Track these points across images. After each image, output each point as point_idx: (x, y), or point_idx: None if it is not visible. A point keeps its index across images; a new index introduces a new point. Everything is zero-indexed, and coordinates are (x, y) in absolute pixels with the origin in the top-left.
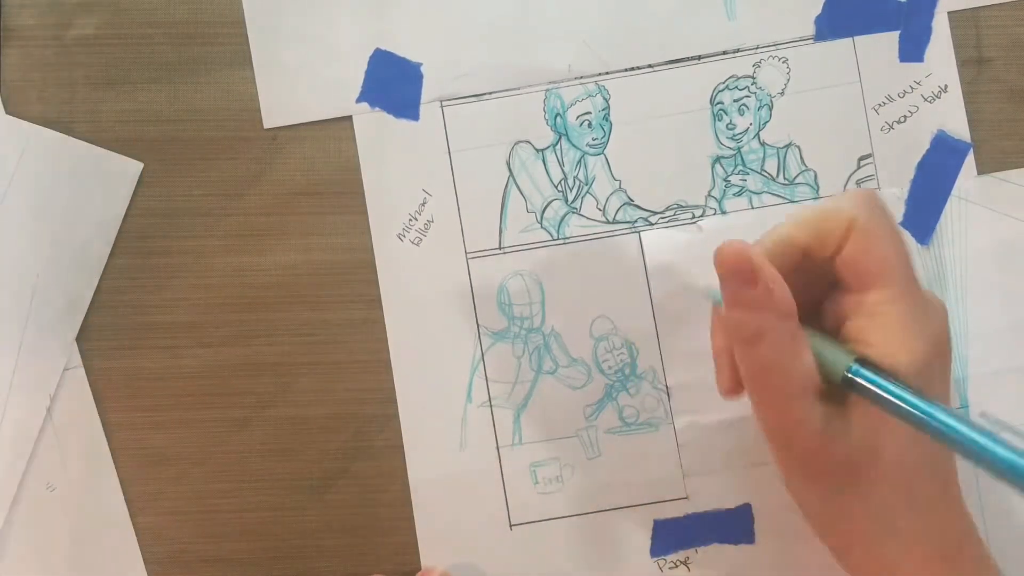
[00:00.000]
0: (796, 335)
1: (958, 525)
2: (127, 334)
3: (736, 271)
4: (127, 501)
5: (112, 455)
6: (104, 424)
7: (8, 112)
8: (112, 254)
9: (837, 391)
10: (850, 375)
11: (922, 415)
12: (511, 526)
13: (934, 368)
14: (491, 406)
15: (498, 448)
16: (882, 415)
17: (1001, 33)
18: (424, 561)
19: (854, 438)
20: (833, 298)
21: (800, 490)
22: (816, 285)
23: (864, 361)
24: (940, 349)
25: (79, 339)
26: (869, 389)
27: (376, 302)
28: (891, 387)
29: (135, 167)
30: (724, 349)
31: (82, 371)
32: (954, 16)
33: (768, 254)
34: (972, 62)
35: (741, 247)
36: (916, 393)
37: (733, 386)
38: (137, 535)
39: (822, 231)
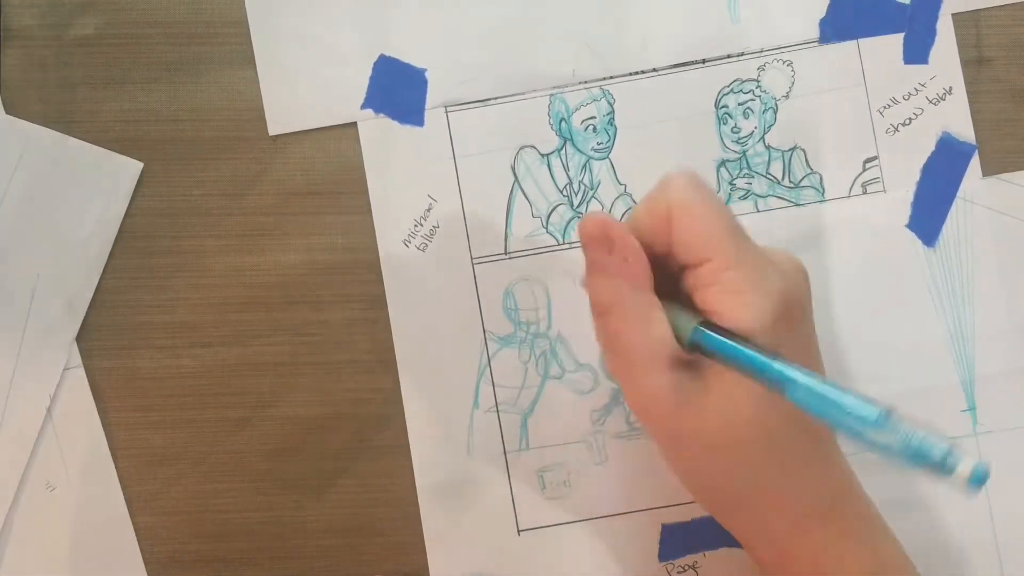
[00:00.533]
0: (649, 305)
1: (833, 482)
2: (127, 334)
3: (595, 238)
4: (126, 501)
5: (111, 455)
6: (103, 424)
7: (8, 112)
8: (112, 254)
9: (704, 360)
10: (694, 339)
11: (755, 364)
12: (519, 531)
13: (780, 327)
14: (498, 411)
15: (505, 453)
16: (737, 377)
17: (1001, 33)
18: (432, 567)
19: (711, 402)
20: (683, 276)
21: (672, 459)
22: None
23: (708, 324)
24: (787, 308)
25: (79, 339)
26: (712, 350)
27: (376, 302)
28: (727, 343)
29: (135, 167)
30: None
31: (82, 371)
32: (957, 17)
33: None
34: (973, 62)
35: (604, 217)
36: (752, 346)
37: None
38: (136, 535)
39: (653, 220)
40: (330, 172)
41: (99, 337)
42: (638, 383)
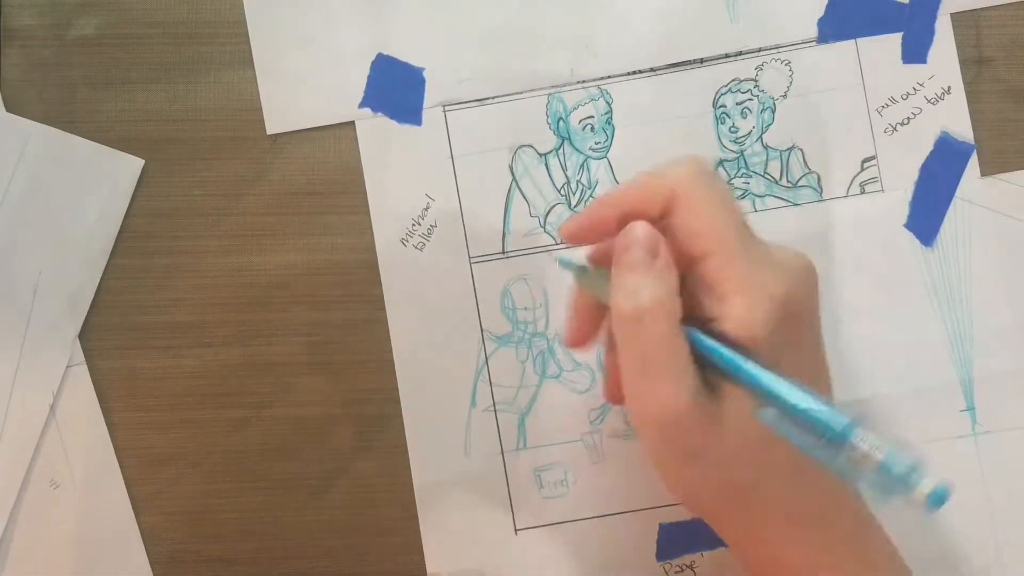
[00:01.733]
0: (679, 312)
1: (827, 488)
2: (127, 334)
3: (642, 243)
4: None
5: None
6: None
7: (8, 111)
8: (112, 254)
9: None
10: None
11: (728, 365)
12: (516, 531)
13: (783, 331)
14: (495, 411)
15: (503, 453)
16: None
17: (1001, 33)
18: (430, 566)
19: (726, 417)
20: (686, 276)
21: (673, 471)
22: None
23: (697, 324)
24: (791, 311)
25: (79, 338)
26: (699, 351)
27: (376, 302)
28: (713, 344)
29: (136, 163)
30: (586, 306)
31: (85, 368)
32: (956, 17)
33: None
34: (973, 62)
35: (649, 226)
36: (736, 349)
37: (580, 338)
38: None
39: (647, 200)
40: (330, 172)
41: (99, 337)
42: (663, 397)
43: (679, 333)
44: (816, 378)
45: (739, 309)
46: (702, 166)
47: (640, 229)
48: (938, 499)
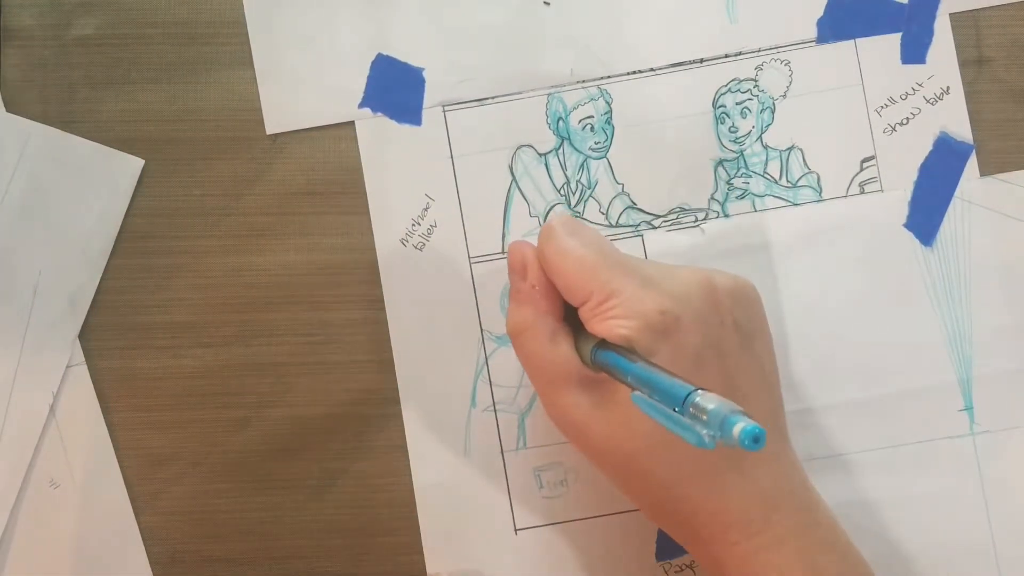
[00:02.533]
0: (554, 330)
1: (761, 493)
2: (127, 334)
3: (512, 266)
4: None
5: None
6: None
7: (8, 111)
8: (112, 254)
9: (611, 380)
10: (594, 359)
11: (620, 367)
12: (516, 531)
13: (660, 342)
14: (495, 411)
15: (502, 453)
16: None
17: (1001, 33)
18: (429, 567)
19: (613, 418)
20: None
21: (598, 469)
22: None
23: (603, 343)
24: (668, 324)
25: (80, 338)
26: (607, 364)
27: (376, 302)
28: (611, 355)
29: (136, 163)
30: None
31: (85, 368)
32: (955, 17)
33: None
34: (972, 62)
35: (523, 246)
36: (632, 356)
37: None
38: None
39: (543, 271)
40: (330, 172)
41: (99, 337)
42: (550, 400)
43: (552, 348)
44: (731, 384)
45: (614, 328)
46: (561, 227)
47: (511, 251)
48: (752, 438)
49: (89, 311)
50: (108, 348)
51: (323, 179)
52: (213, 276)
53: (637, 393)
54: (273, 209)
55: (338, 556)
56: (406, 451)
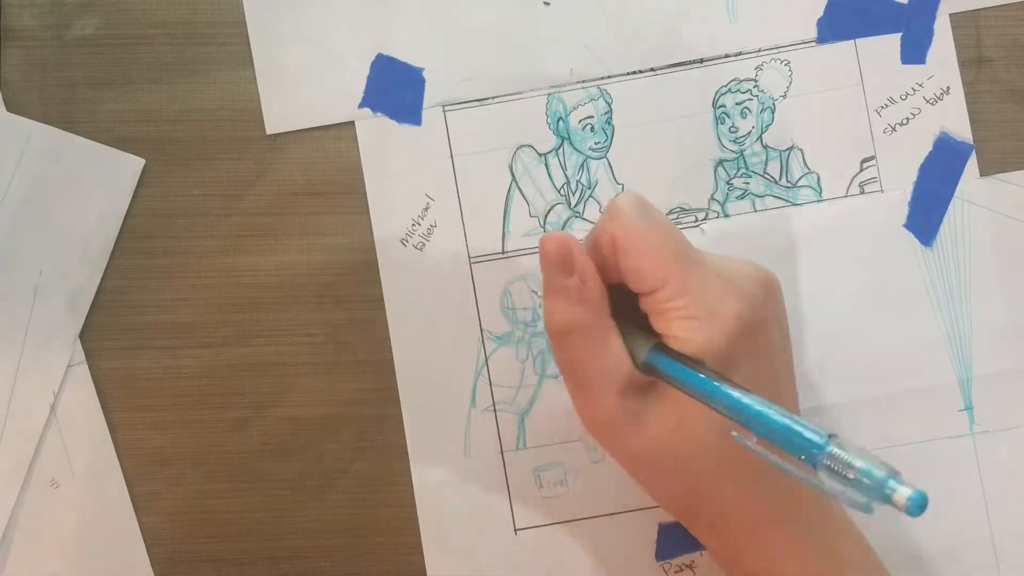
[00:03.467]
0: (606, 330)
1: (789, 486)
2: (127, 334)
3: (553, 259)
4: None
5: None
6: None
7: (8, 111)
8: (112, 254)
9: (659, 382)
10: (648, 362)
11: (701, 387)
12: (516, 531)
13: (736, 349)
14: (495, 411)
15: (502, 453)
16: (688, 399)
17: (1001, 33)
18: (429, 567)
19: (662, 424)
20: (639, 299)
21: (632, 474)
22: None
23: (662, 347)
24: (745, 330)
25: (80, 338)
26: (664, 373)
27: (376, 302)
28: (677, 365)
29: (137, 163)
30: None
31: (86, 367)
32: (955, 17)
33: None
34: (972, 62)
35: (565, 237)
36: (702, 369)
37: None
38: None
39: (601, 249)
40: (330, 172)
41: (99, 338)
42: (592, 406)
43: (601, 349)
44: (777, 387)
45: (691, 331)
46: (636, 205)
47: (552, 244)
48: (917, 506)
49: (89, 311)
50: (108, 348)
51: (323, 179)
52: (213, 276)
53: (737, 434)
54: (273, 209)
55: (338, 556)
56: (406, 451)
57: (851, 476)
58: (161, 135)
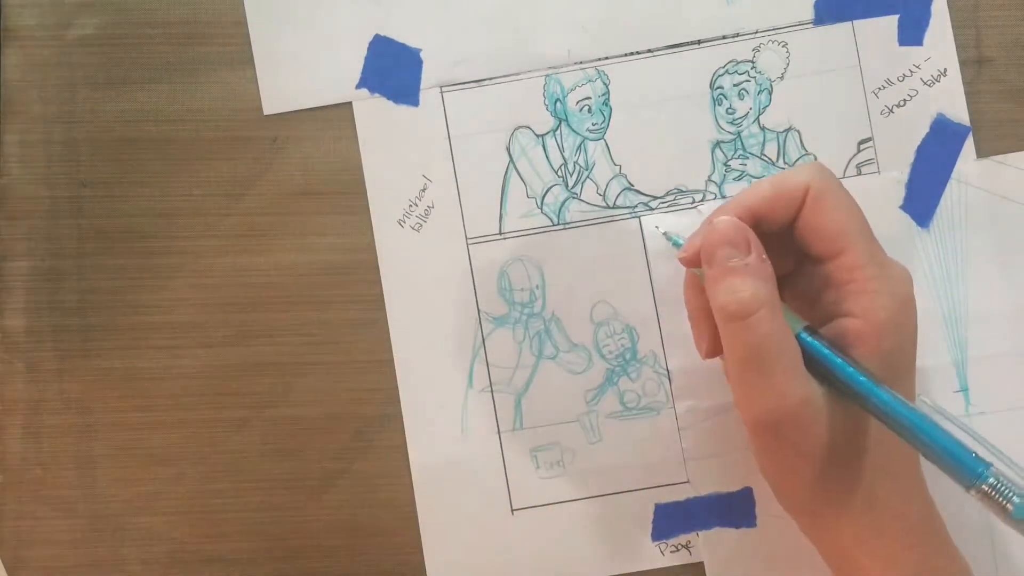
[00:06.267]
0: (783, 308)
1: (926, 493)
2: (127, 334)
3: (731, 240)
4: (127, 501)
5: (112, 455)
6: (103, 424)
7: (8, 112)
8: (112, 254)
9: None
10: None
11: (855, 385)
12: (512, 511)
13: (903, 331)
14: (492, 391)
15: (499, 433)
16: None
17: (1001, 33)
18: (426, 547)
19: (840, 413)
20: (802, 272)
21: (780, 470)
22: (776, 257)
23: (811, 330)
24: (907, 312)
25: (79, 338)
26: (817, 357)
27: (376, 302)
28: (829, 353)
29: None
30: (702, 308)
31: None
32: (955, 14)
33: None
34: (972, 62)
35: (735, 219)
36: (854, 364)
37: (714, 347)
38: (137, 535)
39: (780, 197)
40: (329, 172)
41: (99, 337)
42: (780, 391)
43: (785, 328)
44: (912, 382)
45: (875, 308)
46: (830, 171)
47: (725, 225)
48: None
49: (89, 311)
50: (108, 348)
51: (323, 179)
52: (213, 276)
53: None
54: (273, 209)
55: (338, 556)
56: (406, 451)
57: (1009, 508)
58: (161, 135)
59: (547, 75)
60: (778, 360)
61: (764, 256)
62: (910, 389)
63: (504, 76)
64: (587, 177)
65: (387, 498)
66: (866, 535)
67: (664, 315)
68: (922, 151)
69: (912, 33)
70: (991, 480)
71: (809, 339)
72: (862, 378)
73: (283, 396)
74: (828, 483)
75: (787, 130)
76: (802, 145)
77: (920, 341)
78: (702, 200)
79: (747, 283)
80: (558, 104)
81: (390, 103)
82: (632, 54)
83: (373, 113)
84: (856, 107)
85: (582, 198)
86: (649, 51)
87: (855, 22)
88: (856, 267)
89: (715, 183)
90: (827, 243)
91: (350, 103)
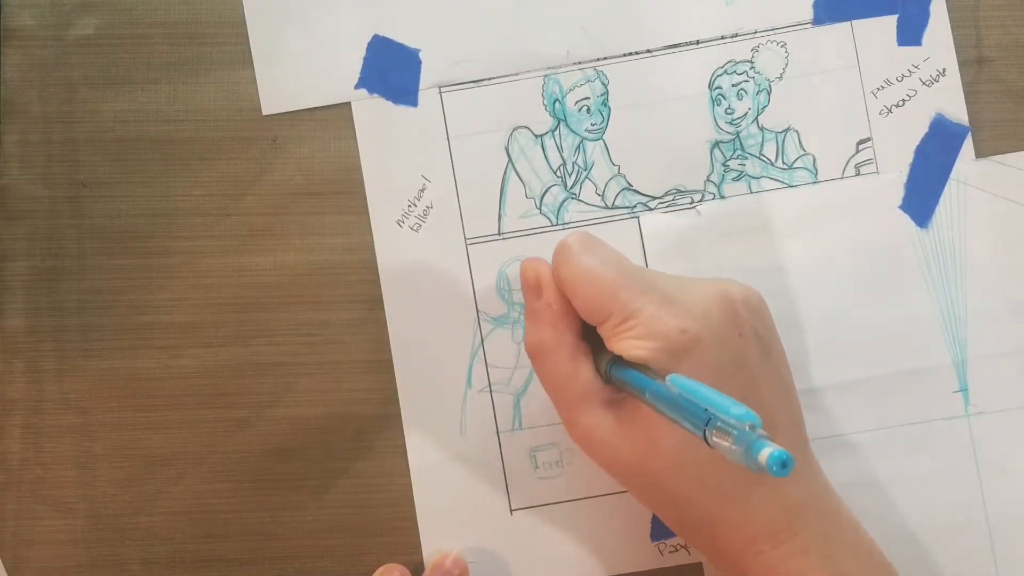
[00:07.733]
0: (574, 348)
1: (787, 503)
2: (127, 334)
3: (527, 283)
4: (127, 501)
5: (112, 455)
6: (103, 424)
7: (8, 112)
8: (112, 254)
9: (631, 399)
10: (609, 375)
11: (640, 384)
12: (511, 511)
13: (689, 359)
14: (491, 391)
15: (498, 433)
16: (659, 416)
17: (1001, 33)
18: (425, 547)
19: (634, 437)
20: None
21: (621, 484)
22: None
23: (618, 359)
24: (690, 340)
25: (79, 338)
26: (622, 381)
27: (376, 302)
28: (630, 372)
29: None
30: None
31: None
32: (954, 16)
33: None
34: (972, 62)
35: (537, 264)
36: (648, 372)
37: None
38: (137, 535)
39: (559, 290)
40: (329, 172)
41: (99, 337)
42: (572, 420)
43: (572, 365)
44: (759, 399)
45: (633, 348)
46: (579, 245)
47: (523, 269)
48: (780, 464)
49: (89, 311)
50: (108, 348)
51: (323, 179)
52: (213, 276)
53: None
54: (273, 209)
55: (338, 556)
56: (405, 451)
57: (729, 444)
58: (161, 135)
59: (546, 75)
60: (562, 396)
61: (554, 303)
62: (777, 409)
63: (503, 76)
64: (586, 177)
65: (387, 498)
66: (738, 555)
67: None
68: (921, 151)
69: (911, 33)
70: (718, 424)
71: (614, 367)
72: (639, 375)
73: (283, 396)
74: (666, 504)
75: (786, 130)
76: (801, 145)
77: (919, 342)
78: (701, 200)
79: (533, 328)
80: (557, 104)
81: (389, 103)
82: (631, 54)
83: (372, 113)
84: (855, 107)
85: (581, 198)
86: (648, 51)
87: (854, 22)
88: (616, 324)
89: (714, 183)
90: (593, 317)
91: (349, 103)
